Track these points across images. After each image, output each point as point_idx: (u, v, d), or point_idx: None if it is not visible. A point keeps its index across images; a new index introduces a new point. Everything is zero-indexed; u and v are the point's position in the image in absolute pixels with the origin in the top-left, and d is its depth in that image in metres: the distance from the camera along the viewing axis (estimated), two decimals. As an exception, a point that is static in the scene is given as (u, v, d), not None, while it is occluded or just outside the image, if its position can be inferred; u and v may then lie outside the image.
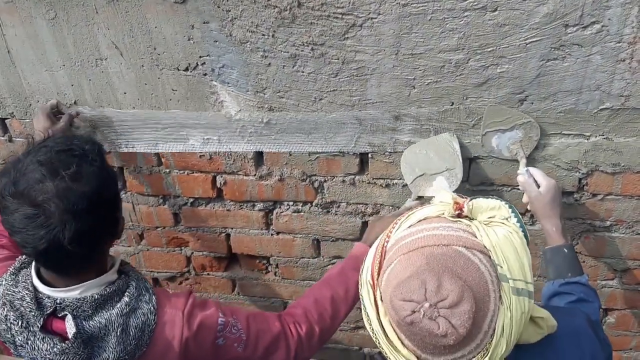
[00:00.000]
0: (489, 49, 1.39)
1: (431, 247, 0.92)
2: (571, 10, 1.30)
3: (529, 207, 1.54)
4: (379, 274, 0.97)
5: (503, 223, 0.98)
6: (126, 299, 1.16)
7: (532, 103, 1.47)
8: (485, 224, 0.98)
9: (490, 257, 0.93)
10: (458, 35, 1.38)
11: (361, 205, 1.79)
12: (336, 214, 1.83)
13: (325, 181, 1.76)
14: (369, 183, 1.72)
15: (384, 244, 1.00)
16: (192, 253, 2.08)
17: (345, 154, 1.67)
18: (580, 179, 1.60)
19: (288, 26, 1.43)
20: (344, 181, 1.74)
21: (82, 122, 1.72)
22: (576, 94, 1.44)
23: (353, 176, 1.72)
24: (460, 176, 1.56)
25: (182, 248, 2.07)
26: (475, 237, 0.95)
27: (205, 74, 1.58)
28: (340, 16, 1.39)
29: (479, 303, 0.88)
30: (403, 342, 0.92)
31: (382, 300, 0.95)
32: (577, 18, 1.31)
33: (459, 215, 0.98)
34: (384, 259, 0.98)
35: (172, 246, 2.07)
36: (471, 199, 1.00)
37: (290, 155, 1.70)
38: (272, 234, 1.95)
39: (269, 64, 1.51)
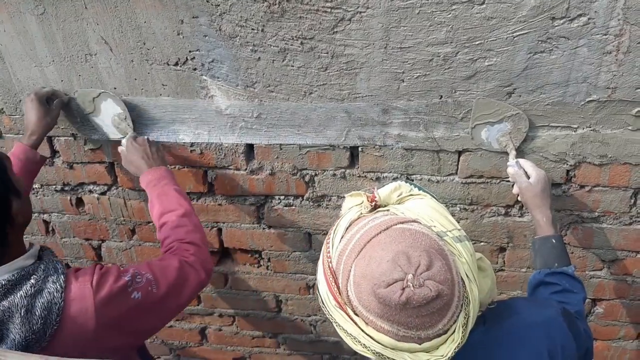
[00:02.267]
0: (477, 42, 1.40)
1: (375, 236, 0.96)
2: (558, 3, 1.31)
3: (519, 198, 1.56)
4: (340, 292, 0.99)
5: (411, 195, 1.08)
6: (32, 281, 1.17)
7: (520, 95, 1.48)
8: (399, 204, 1.06)
9: (421, 223, 1.00)
10: (446, 29, 1.39)
11: (352, 199, 1.80)
12: (327, 208, 1.84)
13: (316, 175, 1.76)
14: (359, 176, 1.73)
15: (329, 266, 1.01)
16: (185, 248, 2.08)
17: (335, 147, 1.67)
18: (568, 171, 1.62)
19: (277, 20, 1.44)
20: (334, 175, 1.75)
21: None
22: (563, 87, 1.45)
23: (344, 170, 1.73)
24: (125, 111, 1.68)
25: (174, 243, 2.07)
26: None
27: (195, 69, 1.58)
28: (329, 10, 1.40)
29: (443, 258, 0.93)
30: (399, 335, 0.92)
31: (356, 314, 0.97)
32: (563, 11, 1.33)
33: (375, 208, 1.05)
34: (337, 277, 0.99)
35: (164, 241, 2.07)
36: (373, 190, 1.06)
37: (281, 149, 1.71)
38: (263, 228, 1.95)
39: (259, 58, 1.52)
